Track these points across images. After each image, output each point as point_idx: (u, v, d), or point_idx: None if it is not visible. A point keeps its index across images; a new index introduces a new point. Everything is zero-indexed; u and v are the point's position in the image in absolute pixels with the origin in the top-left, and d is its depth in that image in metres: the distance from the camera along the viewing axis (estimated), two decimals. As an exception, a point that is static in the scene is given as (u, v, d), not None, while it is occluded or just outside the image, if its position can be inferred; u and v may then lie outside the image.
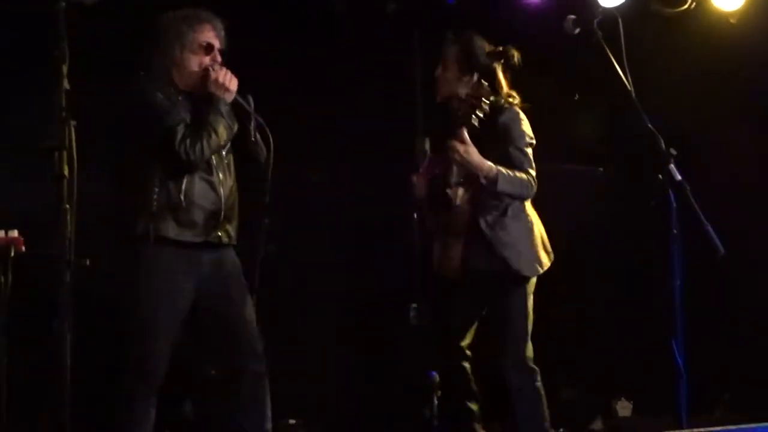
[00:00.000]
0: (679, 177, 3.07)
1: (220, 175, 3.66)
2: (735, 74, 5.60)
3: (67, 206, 2.69)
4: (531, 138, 4.11)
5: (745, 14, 5.53)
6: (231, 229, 3.72)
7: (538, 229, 4.18)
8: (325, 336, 5.54)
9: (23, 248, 3.88)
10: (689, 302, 3.06)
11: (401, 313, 4.61)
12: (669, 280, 3.03)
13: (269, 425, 3.70)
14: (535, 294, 4.16)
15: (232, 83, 3.62)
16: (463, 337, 4.15)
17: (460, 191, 4.07)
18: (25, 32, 4.69)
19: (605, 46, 3.27)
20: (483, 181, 3.94)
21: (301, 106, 5.30)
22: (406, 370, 4.81)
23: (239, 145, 3.75)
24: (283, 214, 3.82)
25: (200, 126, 3.55)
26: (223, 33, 3.74)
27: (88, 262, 2.99)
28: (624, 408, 5.60)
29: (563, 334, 5.49)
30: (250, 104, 3.73)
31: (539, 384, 4.08)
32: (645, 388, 5.44)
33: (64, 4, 2.81)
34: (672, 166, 3.09)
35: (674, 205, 3.06)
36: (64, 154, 2.70)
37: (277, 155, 3.76)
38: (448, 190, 4.08)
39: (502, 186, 3.95)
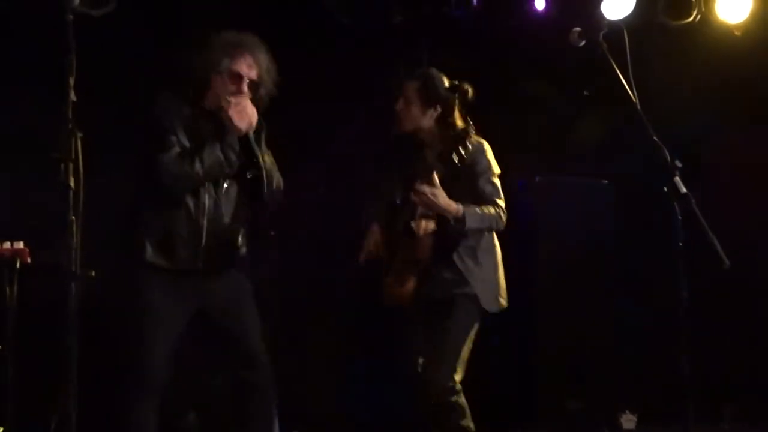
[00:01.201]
0: (684, 189, 3.06)
1: (207, 204, 3.58)
2: (740, 85, 5.60)
3: (73, 217, 2.70)
4: (497, 167, 4.13)
5: (749, 27, 5.54)
6: (218, 257, 3.63)
7: (501, 258, 4.22)
8: (328, 348, 5.53)
9: (28, 259, 3.89)
10: (695, 314, 3.05)
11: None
12: (675, 291, 3.03)
13: None
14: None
15: (242, 121, 3.55)
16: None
17: (424, 223, 4.07)
18: (32, 44, 4.71)
19: (611, 58, 3.27)
20: (452, 222, 3.96)
21: (308, 117, 5.31)
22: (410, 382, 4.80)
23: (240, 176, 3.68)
24: (289, 224, 3.83)
25: (191, 155, 3.50)
26: (265, 65, 3.65)
27: (93, 273, 3.00)
28: (629, 421, 5.58)
29: (568, 347, 5.48)
30: (261, 141, 3.68)
31: (463, 400, 4.05)
32: (650, 400, 5.43)
33: (71, 15, 2.82)
34: (677, 178, 3.09)
35: (680, 217, 3.06)
36: (71, 165, 2.71)
37: (283, 165, 3.77)
38: (412, 223, 4.08)
39: (470, 224, 3.96)
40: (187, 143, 3.53)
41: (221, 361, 3.80)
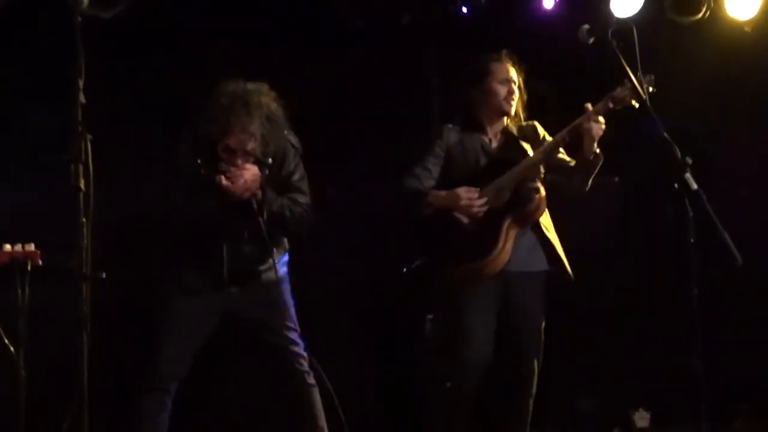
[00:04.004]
0: (695, 185, 3.05)
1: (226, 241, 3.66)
2: (749, 82, 5.58)
3: (84, 219, 2.70)
4: None
5: (759, 22, 5.52)
6: (249, 282, 3.72)
7: None
8: (339, 349, 5.53)
9: (40, 261, 3.90)
10: (707, 311, 3.04)
11: (417, 325, 4.60)
12: (687, 289, 3.02)
13: None
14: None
15: (238, 187, 3.54)
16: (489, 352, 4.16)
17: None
18: (41, 46, 4.72)
19: (620, 54, 3.27)
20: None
21: (316, 119, 5.31)
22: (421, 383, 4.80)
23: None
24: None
25: (196, 200, 3.57)
26: (260, 131, 3.55)
27: (104, 275, 3.01)
28: (642, 419, 5.56)
29: (580, 344, 5.46)
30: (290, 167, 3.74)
31: None
32: (664, 398, 5.41)
33: (80, 17, 2.83)
34: (688, 174, 3.08)
35: (691, 213, 3.05)
36: (81, 167, 2.71)
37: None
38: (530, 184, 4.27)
39: None
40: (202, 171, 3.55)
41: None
